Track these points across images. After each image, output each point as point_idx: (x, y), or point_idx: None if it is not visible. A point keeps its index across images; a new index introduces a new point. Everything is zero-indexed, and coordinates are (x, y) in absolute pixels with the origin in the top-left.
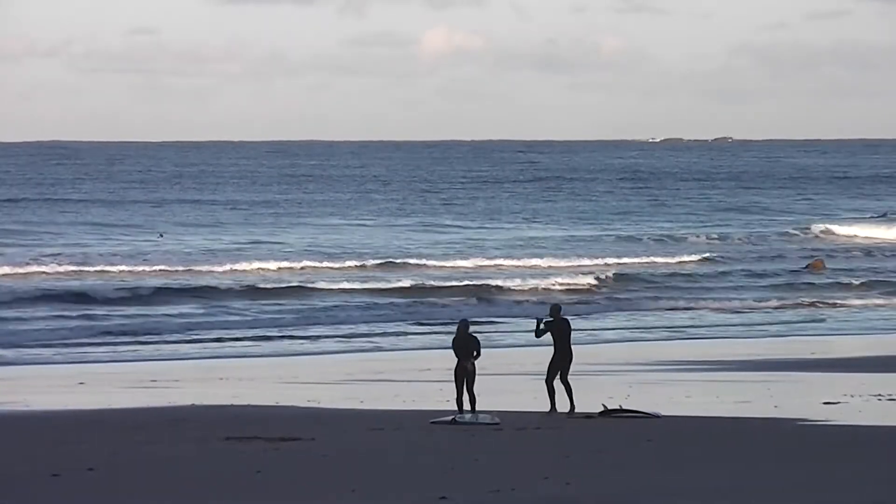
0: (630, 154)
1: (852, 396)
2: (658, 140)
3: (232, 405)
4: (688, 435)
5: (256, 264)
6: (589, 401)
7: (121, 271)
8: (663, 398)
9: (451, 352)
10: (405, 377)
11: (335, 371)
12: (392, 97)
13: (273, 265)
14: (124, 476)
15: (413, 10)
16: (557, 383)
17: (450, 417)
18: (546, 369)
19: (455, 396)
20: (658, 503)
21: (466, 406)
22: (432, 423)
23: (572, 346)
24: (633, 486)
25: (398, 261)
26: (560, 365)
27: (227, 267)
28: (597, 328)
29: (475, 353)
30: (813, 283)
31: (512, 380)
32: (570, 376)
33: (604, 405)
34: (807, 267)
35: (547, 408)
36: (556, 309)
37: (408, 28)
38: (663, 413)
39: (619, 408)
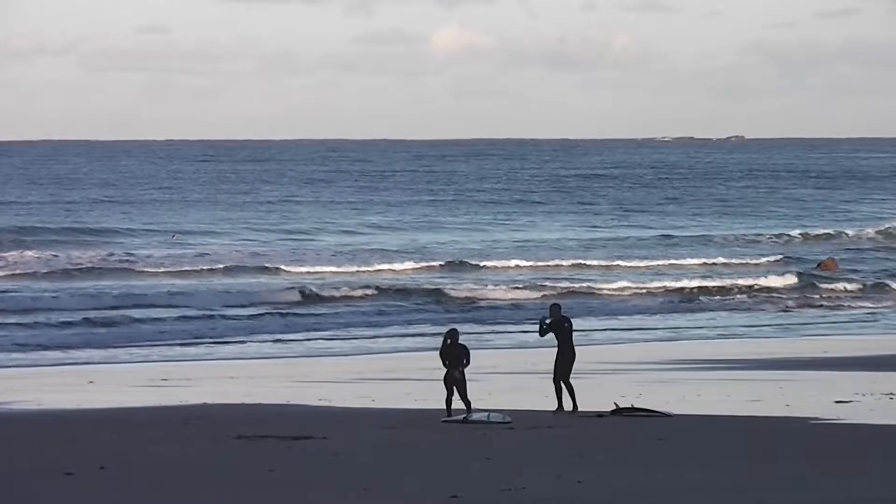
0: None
1: (864, 395)
2: (669, 139)
3: (244, 404)
4: (699, 434)
5: (302, 268)
6: (601, 400)
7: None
8: (675, 397)
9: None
10: (417, 376)
11: (347, 370)
12: (402, 96)
13: (320, 269)
14: (136, 475)
15: (422, 8)
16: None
17: (461, 416)
18: (553, 369)
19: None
20: (670, 502)
21: (454, 407)
22: (444, 421)
23: (575, 347)
24: (644, 485)
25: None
26: (562, 364)
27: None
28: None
29: (465, 362)
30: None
31: (524, 378)
32: (573, 376)
33: (616, 404)
34: (818, 266)
35: (554, 406)
36: (555, 309)
37: (417, 26)
38: (675, 412)
39: (630, 407)
